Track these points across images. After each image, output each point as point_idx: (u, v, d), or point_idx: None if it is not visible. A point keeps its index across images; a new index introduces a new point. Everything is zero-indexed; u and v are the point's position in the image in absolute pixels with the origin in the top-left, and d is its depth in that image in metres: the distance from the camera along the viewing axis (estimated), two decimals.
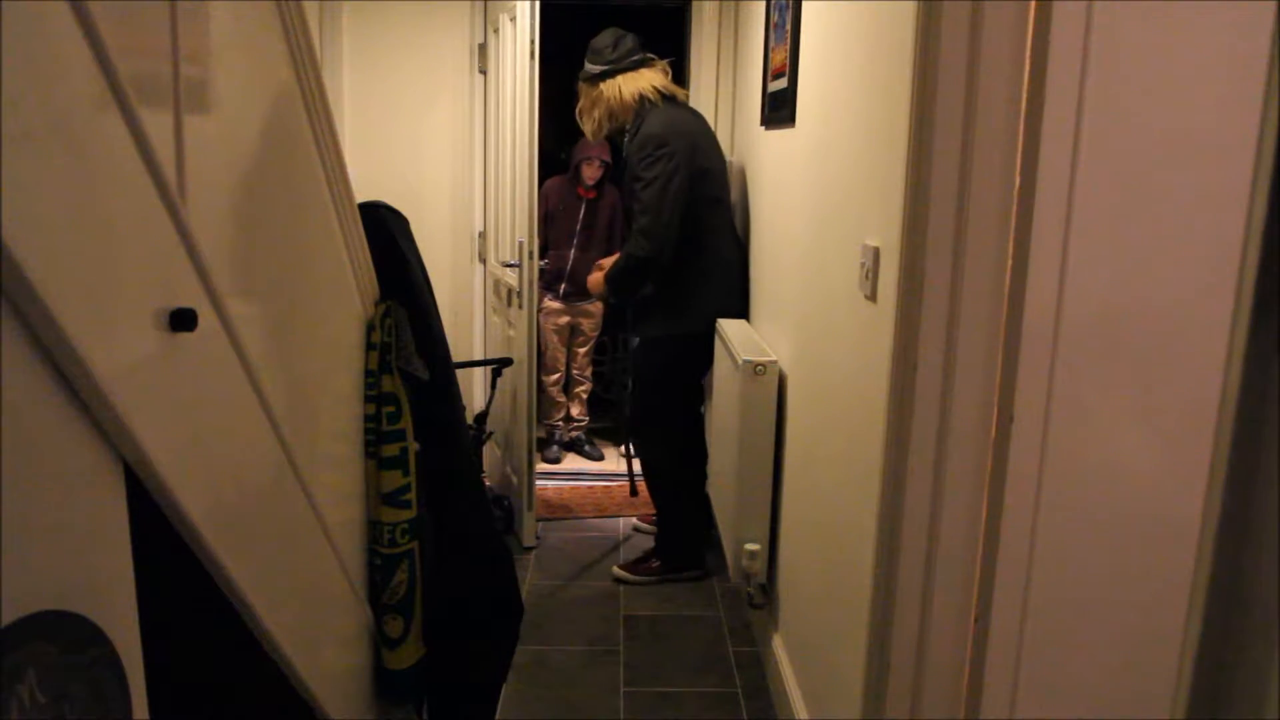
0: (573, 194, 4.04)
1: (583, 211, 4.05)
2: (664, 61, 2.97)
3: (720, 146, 3.02)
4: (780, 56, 2.46)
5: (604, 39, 2.92)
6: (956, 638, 1.37)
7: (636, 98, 2.87)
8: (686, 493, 3.08)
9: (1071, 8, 1.14)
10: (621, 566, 3.10)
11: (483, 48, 3.60)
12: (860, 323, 1.63)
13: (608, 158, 3.97)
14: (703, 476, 3.15)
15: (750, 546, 2.47)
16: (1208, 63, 1.15)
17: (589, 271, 4.05)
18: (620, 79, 2.88)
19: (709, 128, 3.02)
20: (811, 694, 2.05)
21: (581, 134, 3.11)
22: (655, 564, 3.08)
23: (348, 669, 1.58)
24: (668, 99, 2.89)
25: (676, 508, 3.08)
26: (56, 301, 0.65)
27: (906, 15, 1.34)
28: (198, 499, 0.91)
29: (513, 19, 3.10)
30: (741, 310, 2.97)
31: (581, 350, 4.25)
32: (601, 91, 2.90)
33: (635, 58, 2.89)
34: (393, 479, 1.65)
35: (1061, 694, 1.32)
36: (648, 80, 2.88)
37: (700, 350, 2.97)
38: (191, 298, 0.90)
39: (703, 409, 3.49)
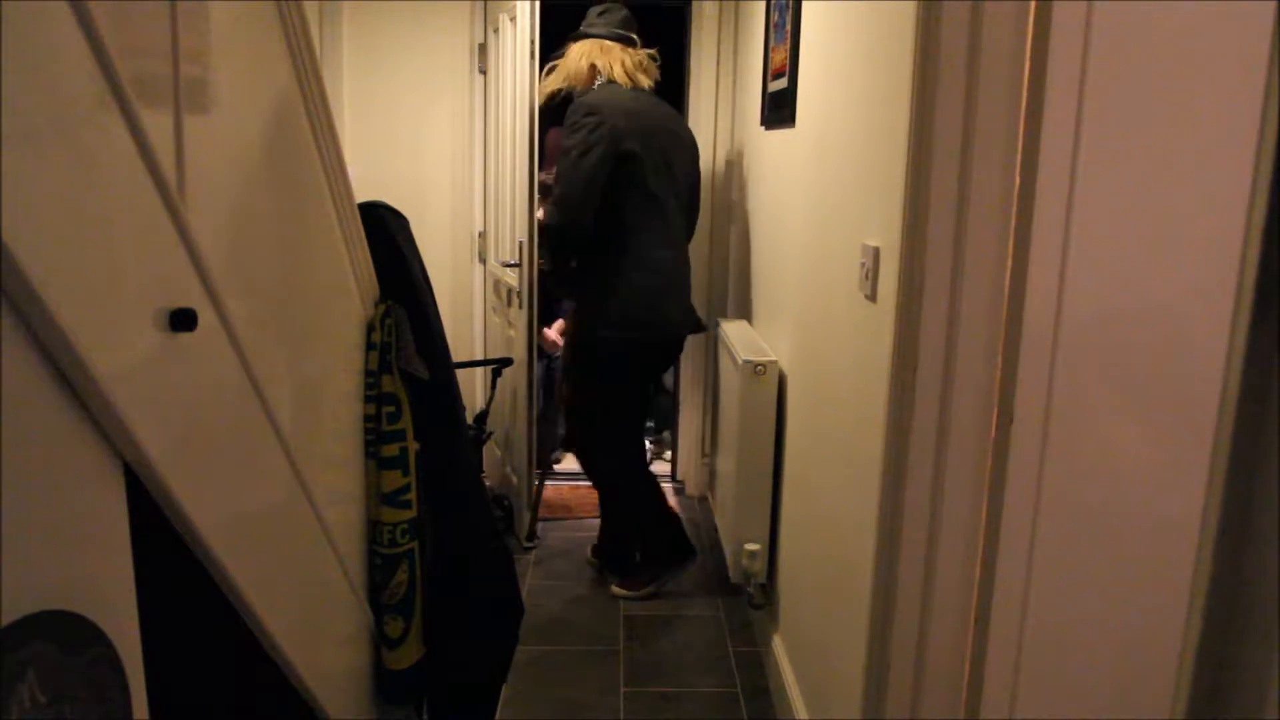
0: None
1: None
2: (645, 51, 2.82)
3: (688, 148, 2.86)
4: (780, 56, 2.46)
5: (601, 6, 2.84)
6: (956, 638, 1.37)
7: (591, 67, 2.73)
8: (645, 498, 2.92)
9: (1071, 8, 1.14)
10: (619, 584, 2.98)
11: (483, 48, 3.60)
12: (860, 323, 1.63)
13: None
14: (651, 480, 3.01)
15: (750, 546, 2.47)
16: (1208, 63, 1.15)
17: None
18: (588, 44, 2.76)
19: (676, 127, 2.83)
20: (811, 694, 2.05)
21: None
22: (644, 570, 2.95)
23: (348, 669, 1.58)
24: (634, 86, 2.75)
25: (640, 515, 2.94)
26: (56, 301, 0.65)
27: (906, 15, 1.34)
28: (197, 499, 0.91)
29: (513, 19, 3.10)
30: (690, 322, 2.83)
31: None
32: (566, 52, 2.80)
33: (615, 30, 2.77)
34: (393, 479, 1.65)
35: (1061, 694, 1.32)
36: (616, 57, 2.74)
37: (629, 359, 2.77)
38: (191, 298, 0.90)
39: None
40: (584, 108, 2.63)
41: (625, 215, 2.65)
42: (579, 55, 2.77)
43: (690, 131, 2.97)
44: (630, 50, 2.77)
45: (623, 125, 2.60)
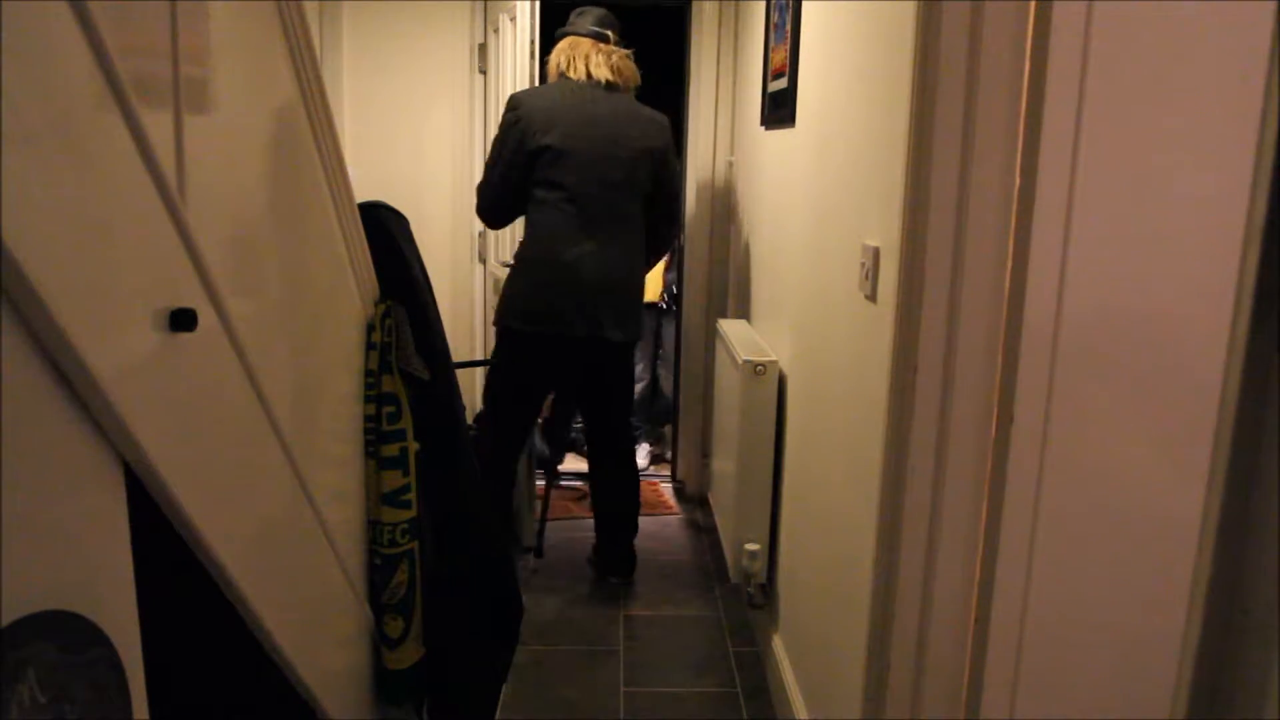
0: None
1: None
2: (620, 50, 2.76)
3: (636, 147, 2.69)
4: (780, 56, 2.46)
5: (579, 8, 2.84)
6: (956, 638, 1.37)
7: (557, 64, 2.75)
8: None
9: (1071, 8, 1.14)
10: None
11: (483, 48, 3.60)
12: (860, 323, 1.63)
13: None
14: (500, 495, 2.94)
15: (750, 546, 2.47)
16: (1208, 63, 1.15)
17: None
18: (562, 42, 2.77)
19: (624, 123, 2.70)
20: (811, 694, 2.05)
21: None
22: None
23: (348, 669, 1.58)
24: (591, 81, 2.70)
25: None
26: (56, 301, 0.65)
27: (906, 15, 1.34)
28: (197, 499, 0.91)
29: (513, 19, 3.10)
30: (604, 329, 2.68)
31: None
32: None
33: (589, 27, 2.74)
34: (393, 479, 1.65)
35: (1061, 694, 1.32)
36: (583, 52, 2.72)
37: (521, 353, 2.74)
38: (191, 298, 0.90)
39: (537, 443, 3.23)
40: (509, 102, 2.69)
41: (539, 208, 2.68)
42: (554, 55, 2.80)
43: (654, 129, 2.77)
44: (602, 46, 2.75)
45: (539, 120, 2.62)
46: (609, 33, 2.78)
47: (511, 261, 2.85)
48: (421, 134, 3.65)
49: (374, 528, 1.66)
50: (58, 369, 0.69)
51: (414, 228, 1.83)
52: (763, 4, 2.81)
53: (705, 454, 3.80)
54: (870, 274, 1.53)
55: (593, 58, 2.72)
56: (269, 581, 1.14)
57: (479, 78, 3.63)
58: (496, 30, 3.45)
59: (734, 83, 3.58)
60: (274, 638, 1.13)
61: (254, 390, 1.08)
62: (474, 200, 3.57)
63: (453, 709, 1.90)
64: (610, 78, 2.73)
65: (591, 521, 3.32)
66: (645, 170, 2.75)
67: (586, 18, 2.80)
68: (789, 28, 2.32)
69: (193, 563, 0.95)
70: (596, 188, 2.67)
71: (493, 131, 3.54)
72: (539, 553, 3.25)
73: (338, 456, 1.53)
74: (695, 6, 3.62)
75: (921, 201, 1.29)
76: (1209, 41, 1.15)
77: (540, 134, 2.62)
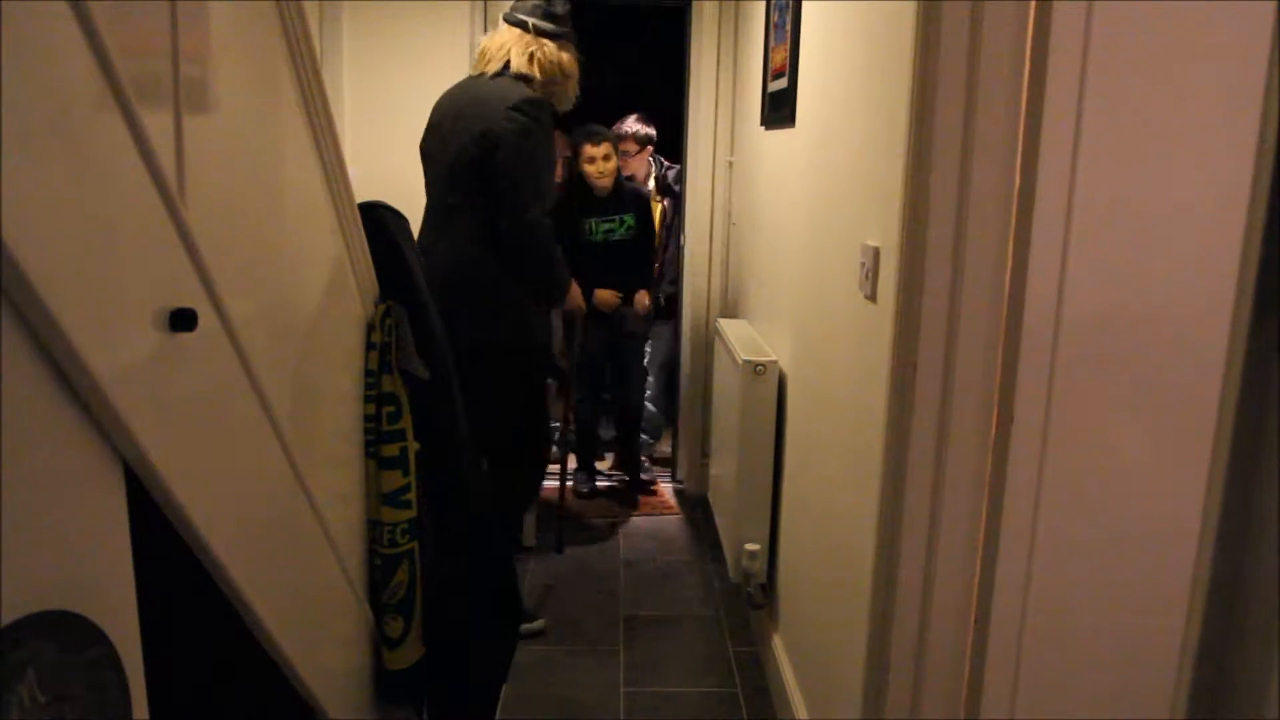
0: None
1: None
2: (546, 42, 2.56)
3: (474, 134, 2.43)
4: (780, 56, 2.46)
5: None
6: (956, 638, 1.37)
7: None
8: None
9: (1071, 8, 1.14)
10: None
11: None
12: (860, 323, 1.63)
13: None
14: None
15: (750, 546, 2.47)
16: (1208, 63, 1.15)
17: None
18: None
19: (479, 110, 2.46)
20: (811, 694, 2.05)
21: None
22: None
23: (348, 669, 1.58)
24: (480, 73, 2.57)
25: None
26: (56, 301, 0.66)
27: (906, 15, 1.34)
28: (198, 499, 0.91)
29: None
30: (465, 328, 2.42)
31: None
32: None
33: (514, 16, 2.60)
34: (393, 479, 1.65)
35: (1061, 694, 1.32)
36: (497, 43, 2.58)
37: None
38: (191, 298, 0.90)
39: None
40: None
41: None
42: None
43: (494, 110, 2.44)
44: (525, 36, 2.58)
45: (434, 122, 2.65)
46: (529, 20, 2.58)
47: None
48: (421, 134, 3.65)
49: (374, 528, 1.66)
50: (58, 369, 0.69)
51: (414, 228, 1.83)
52: (763, 4, 2.81)
53: (705, 454, 3.80)
54: (870, 274, 1.53)
55: (508, 48, 2.57)
56: (269, 582, 1.14)
57: None
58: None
59: (734, 83, 3.58)
60: (274, 638, 1.13)
61: (254, 390, 1.09)
62: None
63: (453, 709, 1.90)
64: (498, 68, 2.53)
65: (598, 522, 3.32)
66: (474, 156, 2.44)
67: (519, 5, 2.65)
68: (789, 28, 2.32)
69: (193, 563, 0.96)
70: (433, 185, 2.62)
71: None
72: (559, 549, 3.28)
73: (338, 456, 1.53)
74: (695, 6, 3.62)
75: (921, 201, 1.29)
76: (1209, 41, 1.15)
77: (424, 138, 2.69)
